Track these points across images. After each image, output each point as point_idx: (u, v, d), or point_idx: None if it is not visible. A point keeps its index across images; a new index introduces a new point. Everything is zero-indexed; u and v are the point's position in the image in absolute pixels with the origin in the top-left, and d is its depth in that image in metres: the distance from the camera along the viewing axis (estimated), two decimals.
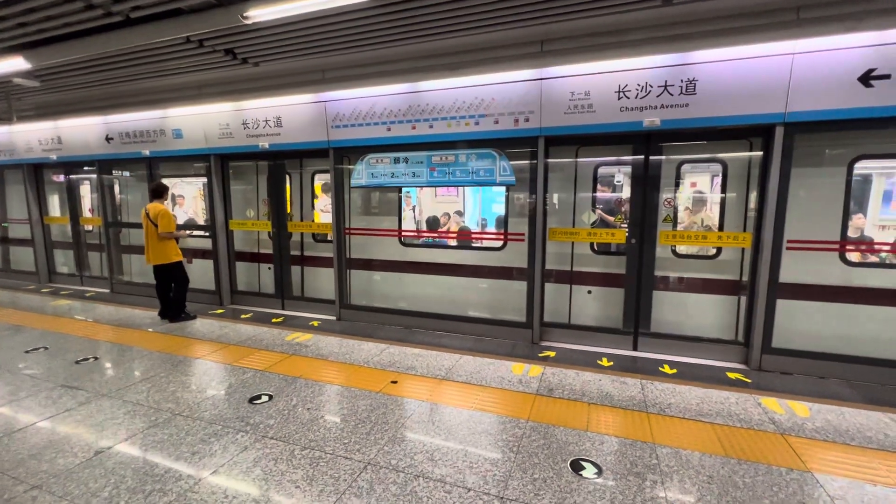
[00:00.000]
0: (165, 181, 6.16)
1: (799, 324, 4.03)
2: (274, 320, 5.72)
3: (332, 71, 5.10)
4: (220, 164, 6.26)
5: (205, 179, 6.44)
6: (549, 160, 4.66)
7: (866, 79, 3.46)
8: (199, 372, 4.07)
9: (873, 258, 4.30)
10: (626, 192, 5.16)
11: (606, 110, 4.16)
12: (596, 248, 4.89)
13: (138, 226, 6.57)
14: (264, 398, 3.53)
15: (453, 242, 5.79)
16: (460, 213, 8.17)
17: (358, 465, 2.63)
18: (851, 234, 4.17)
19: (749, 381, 3.84)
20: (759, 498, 2.34)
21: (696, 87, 3.87)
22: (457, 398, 3.51)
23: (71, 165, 7.69)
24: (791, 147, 3.77)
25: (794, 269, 3.97)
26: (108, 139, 6.77)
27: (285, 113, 5.52)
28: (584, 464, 2.64)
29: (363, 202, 5.92)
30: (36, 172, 8.05)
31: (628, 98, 4.08)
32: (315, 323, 5.61)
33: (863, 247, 4.40)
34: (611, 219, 5.98)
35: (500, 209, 5.94)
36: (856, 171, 3.90)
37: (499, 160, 4.71)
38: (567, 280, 4.95)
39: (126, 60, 5.02)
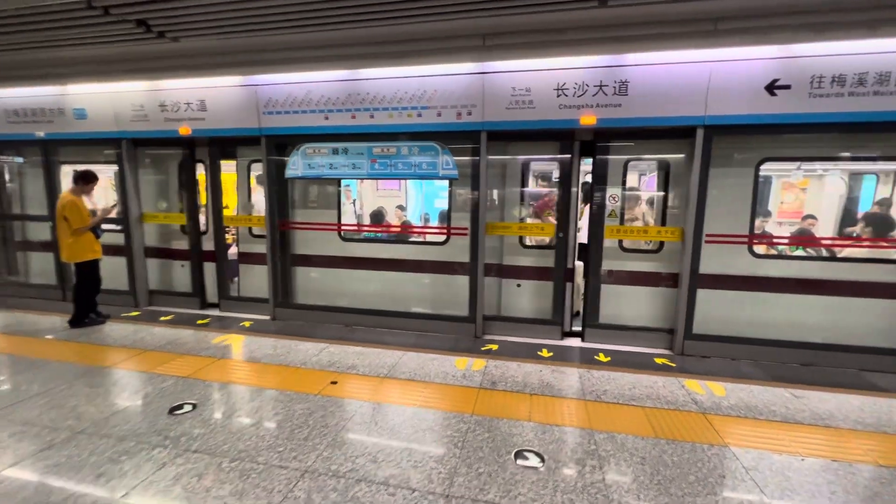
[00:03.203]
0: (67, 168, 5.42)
1: (716, 311, 4.39)
2: (199, 322, 5.26)
3: (265, 52, 4.74)
4: (133, 151, 5.62)
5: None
6: (491, 156, 4.67)
7: (771, 88, 3.82)
8: (108, 383, 3.62)
9: (773, 251, 4.80)
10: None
11: (546, 107, 4.25)
12: (538, 243, 5.00)
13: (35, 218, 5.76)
14: (187, 408, 3.21)
15: (396, 237, 5.66)
16: (402, 208, 8.05)
17: (294, 474, 2.46)
18: (757, 229, 4.62)
19: (674, 365, 4.12)
20: (686, 474, 2.50)
21: (628, 89, 4.06)
22: (400, 396, 3.42)
23: None
24: (710, 148, 4.08)
25: (713, 261, 4.31)
26: None
27: (211, 96, 5.07)
28: (527, 454, 2.67)
29: (300, 195, 5.60)
30: None
31: (566, 96, 4.19)
32: (247, 324, 5.23)
33: (765, 240, 4.89)
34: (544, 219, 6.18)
35: (442, 204, 5.92)
36: (762, 173, 4.31)
37: (441, 153, 4.65)
38: (513, 275, 5.00)
39: (9, 25, 4.31)
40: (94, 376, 3.72)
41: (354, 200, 8.39)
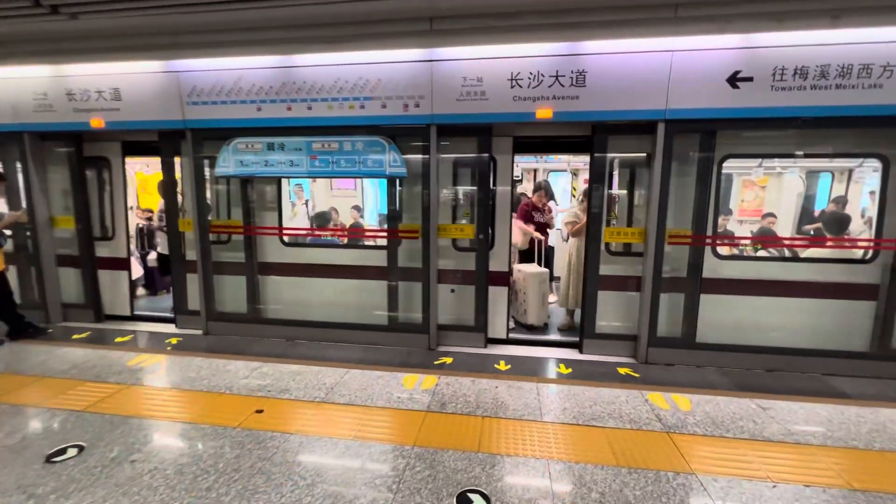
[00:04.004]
0: None
1: (679, 316, 4.17)
2: (118, 339, 4.65)
3: (187, 35, 4.19)
4: (38, 146, 4.92)
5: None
6: (442, 155, 4.30)
7: (733, 80, 3.61)
8: None
9: (735, 251, 4.64)
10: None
11: (499, 99, 3.91)
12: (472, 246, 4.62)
13: None
14: (71, 452, 2.67)
15: (343, 241, 5.20)
16: (359, 209, 7.59)
17: None
18: (719, 228, 4.44)
19: (637, 375, 3.87)
20: None
21: (585, 79, 3.77)
22: (334, 426, 2.99)
23: None
24: (671, 144, 3.84)
25: (675, 262, 4.09)
26: None
27: (126, 83, 4.46)
28: (471, 496, 2.30)
29: (237, 195, 5.04)
30: None
31: (521, 87, 3.86)
32: (174, 340, 4.66)
33: (726, 241, 4.73)
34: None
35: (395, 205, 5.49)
36: (724, 170, 4.11)
37: (388, 149, 4.23)
38: (447, 279, 4.60)
39: None
40: None
41: (307, 201, 7.85)
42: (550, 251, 5.54)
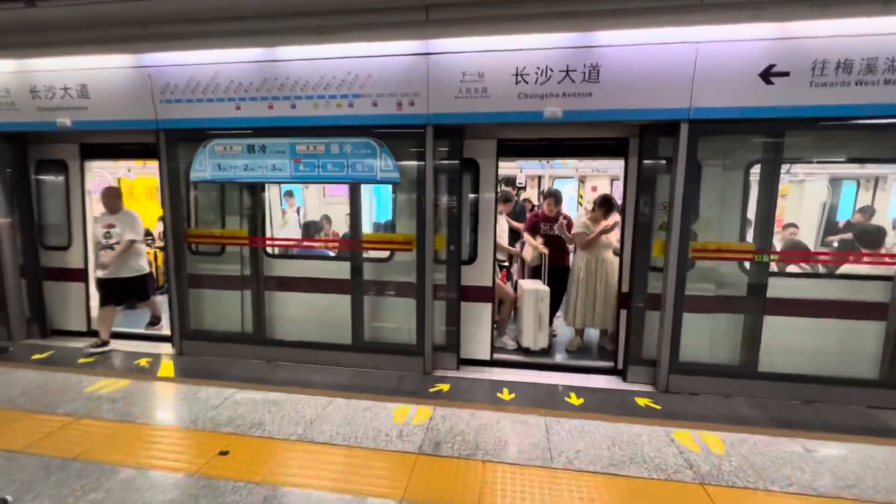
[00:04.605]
0: None
1: (702, 339, 3.73)
2: (82, 360, 4.21)
3: (158, 25, 3.81)
4: (6, 147, 4.53)
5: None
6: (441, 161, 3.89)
7: (767, 75, 3.20)
8: None
9: (775, 267, 4.18)
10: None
11: (503, 96, 3.51)
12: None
13: None
14: None
15: (333, 253, 4.77)
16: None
17: None
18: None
19: (659, 407, 3.42)
20: None
21: (599, 74, 3.37)
22: (311, 472, 2.55)
23: None
24: (695, 148, 3.43)
25: (697, 278, 3.67)
26: None
27: (93, 79, 4.08)
28: None
29: (215, 202, 4.65)
30: None
31: (527, 83, 3.46)
32: (144, 361, 4.22)
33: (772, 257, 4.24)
34: (517, 225, 5.47)
35: (386, 214, 5.10)
36: (753, 176, 3.70)
37: (380, 153, 3.83)
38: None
39: None
40: None
41: (299, 209, 7.45)
42: (564, 269, 4.90)
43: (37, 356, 4.31)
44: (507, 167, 7.14)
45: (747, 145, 3.54)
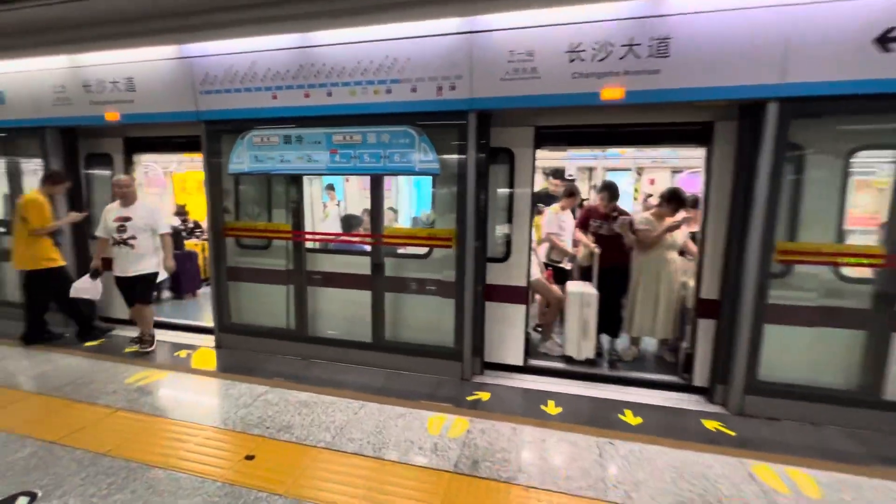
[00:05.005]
0: None
1: (784, 354, 3.20)
2: (128, 350, 4.30)
3: (198, 15, 3.75)
4: (61, 141, 4.70)
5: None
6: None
7: (885, 40, 2.63)
8: None
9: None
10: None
11: (555, 76, 3.14)
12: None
13: None
14: (22, 500, 2.21)
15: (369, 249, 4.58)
16: (394, 211, 7.01)
17: None
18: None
19: (732, 433, 2.95)
20: None
21: (669, 48, 2.92)
22: (334, 486, 2.35)
23: None
24: (786, 132, 2.90)
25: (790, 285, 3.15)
26: None
27: (139, 72, 4.11)
28: None
29: (255, 194, 4.59)
30: None
31: (583, 60, 3.07)
32: (183, 353, 4.25)
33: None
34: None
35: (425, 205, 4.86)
36: (856, 165, 3.11)
37: (418, 141, 3.58)
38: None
39: None
40: None
41: (339, 202, 7.39)
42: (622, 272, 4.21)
43: (89, 343, 4.45)
44: (553, 158, 6.72)
45: (854, 128, 2.96)
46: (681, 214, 3.88)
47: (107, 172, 4.86)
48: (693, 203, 4.24)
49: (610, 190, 4.29)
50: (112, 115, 4.28)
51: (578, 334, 3.89)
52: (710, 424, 3.06)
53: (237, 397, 3.35)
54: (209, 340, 4.51)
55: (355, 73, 3.53)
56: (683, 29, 2.88)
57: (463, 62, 3.29)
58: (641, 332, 4.00)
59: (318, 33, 3.55)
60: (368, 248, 4.02)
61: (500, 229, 3.88)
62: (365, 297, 4.03)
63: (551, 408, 3.26)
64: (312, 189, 4.35)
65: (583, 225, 4.42)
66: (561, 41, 3.09)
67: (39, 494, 2.26)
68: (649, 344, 4.38)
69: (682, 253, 4.01)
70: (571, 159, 6.30)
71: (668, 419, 3.13)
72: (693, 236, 4.00)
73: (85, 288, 4.23)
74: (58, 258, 4.34)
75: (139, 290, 4.18)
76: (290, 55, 3.66)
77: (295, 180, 4.05)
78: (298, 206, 4.09)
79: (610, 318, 4.14)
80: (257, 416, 3.07)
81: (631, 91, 3.03)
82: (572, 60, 3.09)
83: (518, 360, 3.89)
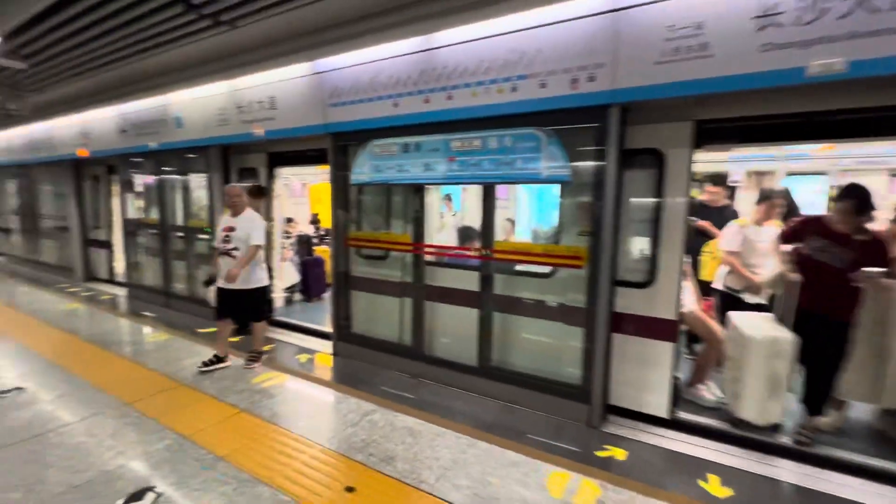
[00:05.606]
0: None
1: None
2: (264, 347, 4.60)
3: (329, 30, 3.87)
4: (221, 158, 5.34)
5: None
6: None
7: None
8: (102, 429, 2.98)
9: None
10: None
11: (735, 52, 2.40)
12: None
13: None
14: (149, 498, 2.31)
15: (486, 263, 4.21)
16: (512, 222, 6.58)
17: None
18: None
19: None
20: None
21: None
22: None
23: (99, 161, 7.33)
24: None
25: None
26: (122, 131, 6.23)
27: (280, 91, 4.40)
28: None
29: (376, 204, 4.58)
30: (76, 169, 7.85)
31: (780, 27, 2.29)
32: (303, 358, 4.39)
33: None
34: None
35: (549, 217, 4.33)
36: None
37: (546, 144, 3.11)
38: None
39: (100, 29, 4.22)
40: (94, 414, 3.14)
41: (456, 212, 7.22)
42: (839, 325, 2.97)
43: (235, 339, 4.88)
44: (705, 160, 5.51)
45: None
46: None
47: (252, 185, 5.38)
48: None
49: (859, 198, 2.76)
50: (258, 130, 4.67)
51: (763, 392, 2.93)
52: None
53: (345, 413, 3.26)
54: (328, 346, 4.61)
55: (477, 72, 3.22)
56: None
57: (605, 47, 2.74)
58: (853, 394, 2.88)
59: (439, 34, 3.33)
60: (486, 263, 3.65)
61: (638, 247, 3.19)
62: (486, 317, 3.67)
63: (714, 486, 2.48)
64: (431, 199, 4.17)
65: (789, 239, 3.16)
66: (746, 5, 2.35)
67: (164, 493, 2.35)
68: (861, 410, 3.20)
69: None
70: (737, 161, 5.11)
71: None
72: None
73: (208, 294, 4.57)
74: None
75: (248, 307, 4.03)
76: (412, 60, 3.51)
77: (416, 190, 3.89)
78: (419, 216, 3.93)
79: (812, 388, 2.97)
80: (362, 439, 2.90)
81: (859, 61, 2.15)
82: (762, 28, 2.32)
83: (661, 410, 3.13)
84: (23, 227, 9.67)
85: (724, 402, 3.24)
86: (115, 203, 7.40)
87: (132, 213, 6.76)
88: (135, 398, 3.41)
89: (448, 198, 6.94)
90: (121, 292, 7.06)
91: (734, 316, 3.23)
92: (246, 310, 4.06)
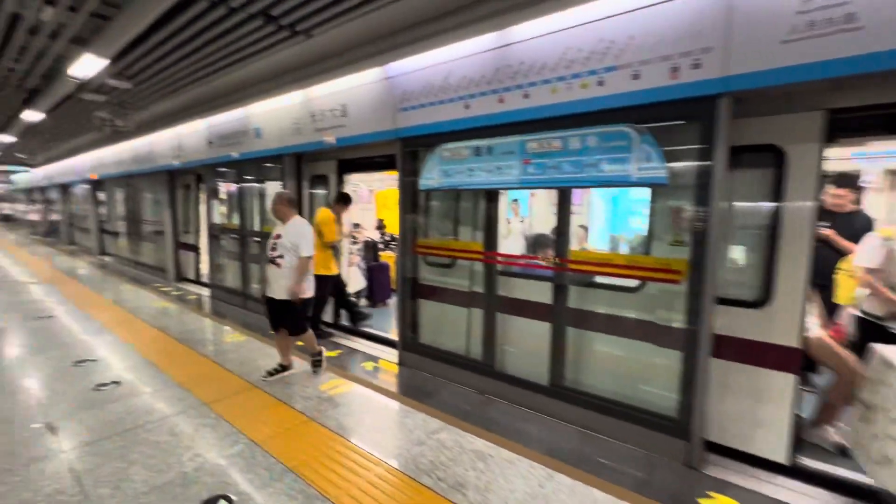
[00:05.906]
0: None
1: None
2: (328, 354, 4.62)
3: (402, 33, 3.80)
4: (295, 165, 5.51)
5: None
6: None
7: None
8: (174, 441, 3.08)
9: None
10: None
11: (890, 22, 1.94)
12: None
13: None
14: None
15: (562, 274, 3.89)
16: (585, 228, 6.15)
17: None
18: None
19: None
20: None
21: None
22: None
23: (190, 171, 7.95)
24: None
25: None
26: (209, 143, 6.68)
27: (351, 98, 4.42)
28: None
29: (443, 210, 4.44)
30: (171, 178, 8.60)
31: None
32: (369, 366, 4.34)
33: None
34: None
35: (637, 224, 3.93)
36: None
37: (639, 142, 2.76)
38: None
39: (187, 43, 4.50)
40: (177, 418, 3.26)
41: (523, 219, 6.91)
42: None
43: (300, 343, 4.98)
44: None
45: None
46: None
47: (322, 191, 5.48)
48: None
49: None
50: (329, 138, 4.73)
51: None
52: None
53: (412, 430, 3.11)
54: (393, 354, 4.54)
55: (558, 66, 2.96)
56: None
57: (715, 28, 2.37)
58: None
59: (516, 28, 3.13)
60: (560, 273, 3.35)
61: (748, 260, 2.73)
62: (560, 332, 3.37)
63: None
64: (500, 205, 3.95)
65: None
66: None
67: (235, 501, 2.33)
68: None
69: None
70: (875, 158, 4.32)
71: None
72: None
73: None
74: (333, 268, 4.93)
75: (289, 320, 3.81)
76: (485, 59, 3.32)
77: (487, 196, 3.69)
78: (491, 223, 3.72)
79: None
80: (429, 460, 2.73)
81: None
82: None
83: (778, 454, 2.64)
84: (128, 231, 10.81)
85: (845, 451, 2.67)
86: (202, 209, 7.99)
87: (216, 219, 7.24)
88: (212, 398, 3.52)
89: (515, 203, 6.66)
90: (205, 292, 7.59)
91: (881, 349, 2.63)
92: (285, 320, 3.84)
